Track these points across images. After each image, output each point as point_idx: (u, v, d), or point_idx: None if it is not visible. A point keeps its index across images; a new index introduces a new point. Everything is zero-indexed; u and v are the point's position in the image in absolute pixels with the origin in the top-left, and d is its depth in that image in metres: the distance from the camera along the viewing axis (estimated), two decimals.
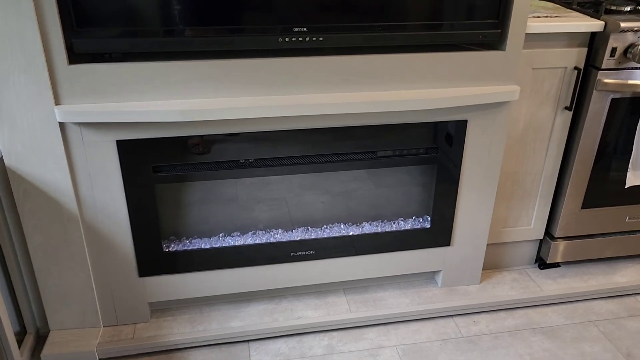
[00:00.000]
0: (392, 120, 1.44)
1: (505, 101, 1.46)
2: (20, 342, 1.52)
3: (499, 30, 1.38)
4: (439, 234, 1.65)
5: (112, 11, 1.20)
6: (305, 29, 1.29)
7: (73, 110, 1.24)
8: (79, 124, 1.29)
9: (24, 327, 1.55)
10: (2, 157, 1.31)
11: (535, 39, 1.47)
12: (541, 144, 1.64)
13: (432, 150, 1.52)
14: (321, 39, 1.30)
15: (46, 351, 1.46)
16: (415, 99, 1.36)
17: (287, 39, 1.29)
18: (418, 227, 1.65)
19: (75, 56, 1.24)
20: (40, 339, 1.57)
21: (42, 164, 1.31)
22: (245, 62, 1.30)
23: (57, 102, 1.25)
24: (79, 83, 1.25)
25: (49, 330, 1.54)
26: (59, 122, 1.27)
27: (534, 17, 1.50)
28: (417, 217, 1.68)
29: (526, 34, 1.42)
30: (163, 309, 1.65)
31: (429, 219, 1.63)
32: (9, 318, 1.53)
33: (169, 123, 1.32)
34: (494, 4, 1.35)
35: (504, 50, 1.41)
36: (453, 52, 1.39)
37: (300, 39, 1.29)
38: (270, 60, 1.31)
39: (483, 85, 1.44)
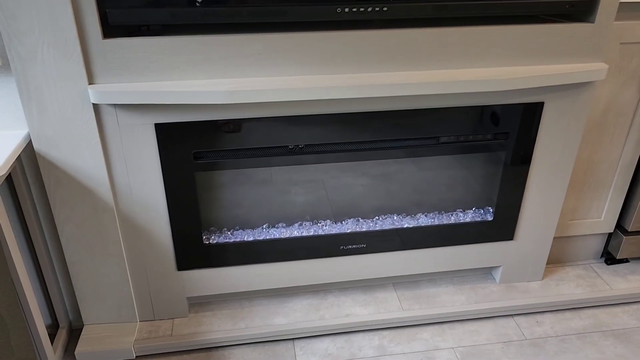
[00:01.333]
0: (459, 103, 1.28)
1: (590, 81, 1.28)
2: (52, 337, 1.43)
3: None
4: (502, 227, 1.50)
5: None
6: None
7: (108, 90, 1.11)
8: (115, 105, 1.16)
9: (56, 320, 1.46)
10: (31, 141, 1.19)
11: (626, 9, 1.28)
12: (621, 128, 1.46)
13: (501, 136, 1.36)
14: (385, 9, 1.14)
15: (80, 348, 1.37)
16: (489, 78, 1.20)
17: (346, 9, 1.13)
18: (479, 219, 1.50)
19: (110, 29, 1.11)
20: (74, 333, 1.48)
21: (74, 150, 1.19)
22: (299, 35, 1.14)
23: (91, 81, 1.12)
24: (114, 59, 1.11)
25: (83, 325, 1.44)
26: (93, 104, 1.14)
27: None
28: (478, 208, 1.53)
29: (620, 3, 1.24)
30: (202, 303, 1.54)
31: (492, 211, 1.48)
32: (40, 311, 1.44)
33: (214, 105, 1.18)
34: None
35: (593, 22, 1.22)
36: (533, 25, 1.21)
37: (362, 9, 1.13)
38: (327, 34, 1.15)
39: (565, 62, 1.26)
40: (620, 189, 1.56)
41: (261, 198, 1.43)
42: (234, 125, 1.23)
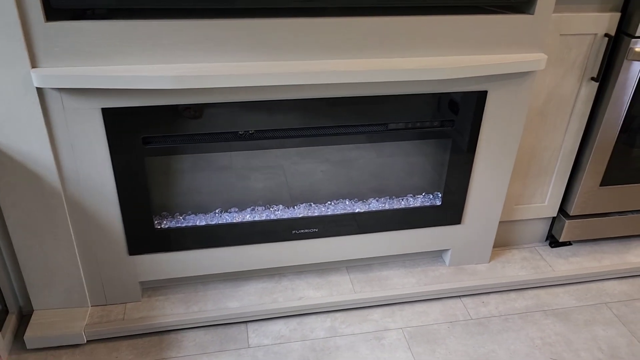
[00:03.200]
0: (406, 90, 1.31)
1: (530, 71, 1.33)
2: (1, 323, 1.42)
3: None
4: (450, 211, 1.55)
5: None
6: None
7: (52, 74, 1.10)
8: (59, 89, 1.15)
9: (5, 306, 1.45)
10: None
11: (565, 2, 1.33)
12: (562, 117, 1.52)
13: (448, 124, 1.40)
14: None
15: (30, 333, 1.37)
16: (433, 67, 1.23)
17: None
18: (428, 204, 1.55)
19: (54, 12, 1.09)
20: (24, 318, 1.47)
21: (19, 134, 1.17)
22: (246, 22, 1.15)
23: (34, 65, 1.11)
24: (59, 43, 1.10)
25: (33, 310, 1.44)
26: (37, 88, 1.13)
27: None
28: (428, 193, 1.58)
29: None
30: (155, 287, 1.55)
31: (440, 195, 1.53)
32: None
33: (161, 90, 1.18)
34: None
35: (532, 13, 1.27)
36: (476, 15, 1.25)
37: None
38: (273, 20, 1.16)
39: (507, 52, 1.31)
40: (562, 175, 1.63)
41: (217, 183, 1.44)
42: (194, 111, 1.23)
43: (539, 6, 1.26)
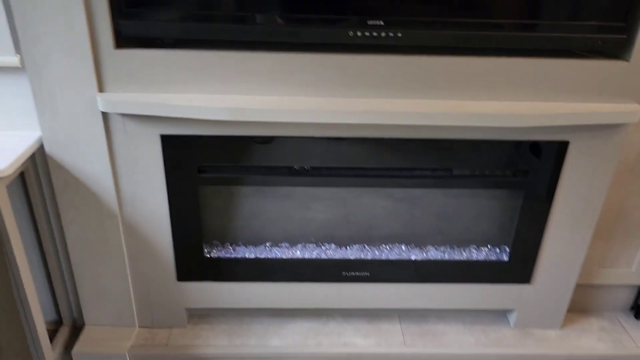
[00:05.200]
0: (476, 136, 1.22)
1: (621, 123, 1.19)
2: (55, 332, 1.45)
3: (625, 36, 1.11)
4: (518, 269, 1.41)
5: None
6: (381, 23, 1.08)
7: (116, 100, 1.12)
8: (123, 114, 1.17)
9: (60, 317, 1.49)
10: (43, 144, 1.22)
11: None
12: None
13: (520, 174, 1.28)
14: (399, 34, 1.10)
15: (78, 348, 1.39)
16: (509, 113, 1.13)
17: (359, 33, 1.09)
18: (493, 258, 1.42)
19: (123, 40, 1.12)
20: (76, 330, 1.50)
21: (82, 155, 1.21)
22: (309, 57, 1.12)
23: (101, 89, 1.14)
24: (125, 70, 1.12)
25: (84, 324, 1.46)
26: (102, 112, 1.15)
27: None
28: (493, 246, 1.45)
29: None
30: (202, 315, 1.53)
31: (508, 250, 1.40)
32: (46, 308, 1.48)
33: (218, 121, 1.17)
34: (619, 1, 1.08)
35: (628, 60, 1.13)
36: (560, 59, 1.14)
37: (375, 33, 1.09)
38: (338, 56, 1.12)
39: (595, 101, 1.18)
40: None
41: (270, 216, 1.41)
42: (263, 136, 1.21)
43: (636, 52, 1.12)
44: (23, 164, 1.20)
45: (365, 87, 1.15)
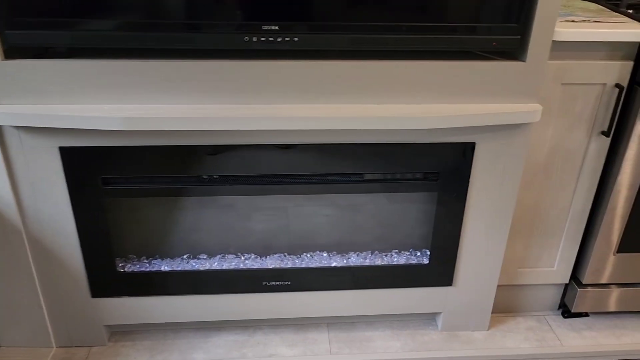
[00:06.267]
0: (383, 139, 1.21)
1: (524, 123, 1.20)
2: None
3: (518, 37, 1.13)
4: (439, 271, 1.41)
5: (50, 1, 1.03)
6: (276, 27, 1.08)
7: (8, 112, 1.08)
8: (17, 127, 1.13)
9: None
10: None
11: (566, 48, 1.20)
12: (570, 174, 1.36)
13: (431, 176, 1.28)
14: (296, 39, 1.09)
15: None
16: (411, 116, 1.13)
17: (254, 39, 1.08)
18: (414, 262, 1.42)
19: (12, 50, 1.08)
20: None
21: None
22: (205, 63, 1.10)
23: None
24: (17, 81, 1.09)
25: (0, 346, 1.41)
26: None
27: (568, 20, 1.23)
28: (415, 250, 1.44)
29: (555, 42, 1.16)
30: (124, 331, 1.49)
31: (428, 253, 1.39)
32: None
33: (115, 131, 1.14)
34: (513, 3, 1.09)
35: (524, 60, 1.15)
36: (460, 61, 1.14)
37: (271, 38, 1.08)
38: (234, 62, 1.11)
39: (496, 102, 1.19)
40: (572, 237, 1.45)
41: (184, 226, 1.38)
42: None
43: (531, 53, 1.14)
44: None
45: (262, 93, 1.14)
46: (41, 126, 1.11)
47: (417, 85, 1.16)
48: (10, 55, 1.08)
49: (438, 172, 1.27)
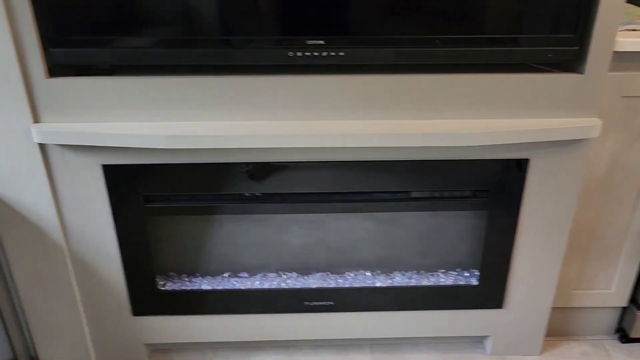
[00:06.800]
0: (432, 156, 1.16)
1: (582, 138, 1.13)
2: None
3: (577, 48, 1.06)
4: (489, 293, 1.34)
5: (94, 17, 1.02)
6: (322, 42, 1.04)
7: (52, 130, 1.08)
8: (61, 145, 1.13)
9: (16, 355, 1.43)
10: None
11: (627, 59, 1.13)
12: (630, 190, 1.28)
13: (480, 194, 1.22)
14: (342, 53, 1.05)
15: None
16: (463, 132, 1.08)
17: (299, 54, 1.05)
18: (462, 282, 1.35)
19: (56, 68, 1.08)
20: None
21: (23, 188, 1.16)
22: (248, 79, 1.08)
23: (36, 120, 1.10)
24: (61, 99, 1.08)
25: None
26: (38, 143, 1.12)
27: (628, 29, 1.16)
28: (462, 270, 1.38)
29: (615, 52, 1.09)
30: (164, 349, 1.47)
31: (477, 274, 1.33)
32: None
33: (159, 149, 1.13)
34: (569, 12, 1.03)
35: (583, 73, 1.08)
36: (513, 74, 1.09)
37: (316, 53, 1.05)
38: (278, 78, 1.08)
39: (552, 116, 1.12)
40: (632, 258, 1.36)
41: (225, 244, 1.35)
42: (248, 167, 1.16)
43: (590, 65, 1.07)
44: None
45: (307, 109, 1.10)
46: (85, 144, 1.10)
47: (468, 99, 1.11)
48: (53, 73, 1.08)
49: (488, 189, 1.21)
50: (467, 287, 1.34)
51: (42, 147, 1.13)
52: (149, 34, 1.04)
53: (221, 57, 1.06)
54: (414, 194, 1.23)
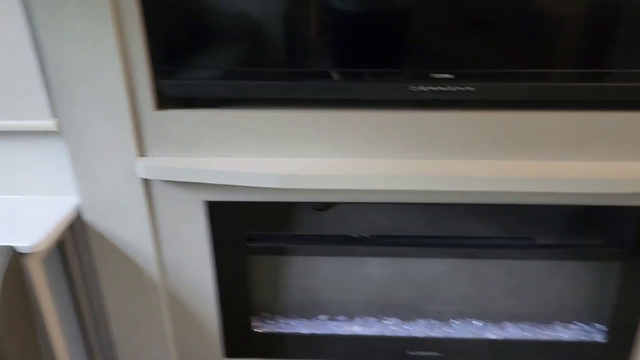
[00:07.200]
0: (560, 201, 1.04)
1: None
2: None
3: None
4: (619, 351, 1.19)
5: (208, 47, 0.97)
6: (450, 76, 0.95)
7: (156, 165, 1.03)
8: (164, 180, 1.08)
9: None
10: (81, 211, 1.14)
11: None
12: None
13: (615, 244, 1.09)
14: (472, 88, 0.95)
15: None
16: (599, 177, 0.95)
17: (422, 88, 0.96)
18: (585, 338, 1.21)
19: (164, 100, 1.03)
20: None
21: (122, 222, 1.12)
22: (366, 114, 0.99)
23: (141, 154, 1.05)
24: (167, 132, 1.03)
25: None
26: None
27: None
28: (584, 324, 1.24)
29: None
30: None
31: (605, 329, 1.19)
32: None
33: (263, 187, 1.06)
34: None
35: None
36: None
37: (442, 88, 0.96)
38: (398, 113, 0.99)
39: None
40: None
41: (323, 286, 1.27)
42: (322, 204, 1.09)
43: None
44: (61, 234, 1.12)
45: (429, 148, 1.01)
46: (189, 181, 1.04)
47: (604, 140, 0.98)
48: (161, 105, 1.03)
49: (626, 239, 1.08)
50: (593, 344, 1.20)
51: (146, 181, 1.08)
52: (263, 65, 0.97)
53: (337, 91, 0.98)
54: (539, 241, 1.10)
